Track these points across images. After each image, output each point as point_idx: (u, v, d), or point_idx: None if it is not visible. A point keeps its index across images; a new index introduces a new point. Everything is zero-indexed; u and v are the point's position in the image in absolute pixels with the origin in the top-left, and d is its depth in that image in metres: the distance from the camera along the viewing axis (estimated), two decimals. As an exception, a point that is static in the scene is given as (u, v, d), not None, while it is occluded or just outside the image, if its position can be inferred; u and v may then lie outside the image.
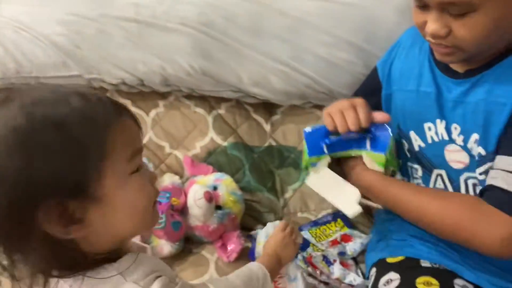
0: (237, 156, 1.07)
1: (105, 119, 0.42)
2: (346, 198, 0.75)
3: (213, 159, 1.06)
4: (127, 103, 1.07)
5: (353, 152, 0.78)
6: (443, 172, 0.76)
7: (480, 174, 0.70)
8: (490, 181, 0.65)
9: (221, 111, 1.09)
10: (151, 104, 1.08)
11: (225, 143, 1.07)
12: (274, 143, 1.11)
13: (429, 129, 0.76)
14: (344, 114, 0.73)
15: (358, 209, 0.74)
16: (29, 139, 0.38)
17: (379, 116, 0.75)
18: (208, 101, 1.08)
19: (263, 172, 1.08)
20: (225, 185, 0.95)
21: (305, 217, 1.06)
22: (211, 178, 0.98)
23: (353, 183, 0.76)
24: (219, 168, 1.05)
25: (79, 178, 0.40)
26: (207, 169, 1.02)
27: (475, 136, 0.69)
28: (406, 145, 0.82)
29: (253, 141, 1.10)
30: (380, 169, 0.75)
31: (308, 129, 0.79)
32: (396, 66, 0.82)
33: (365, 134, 0.77)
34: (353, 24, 0.94)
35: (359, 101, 0.74)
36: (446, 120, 0.73)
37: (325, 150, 0.78)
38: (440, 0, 0.60)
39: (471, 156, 0.71)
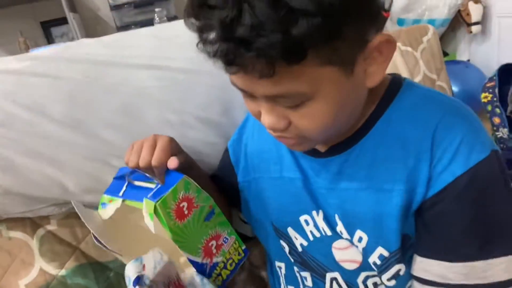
0: (84, 284, 0.78)
1: None
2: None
3: (49, 298, 0.76)
4: None
5: (141, 205, 0.58)
6: (337, 275, 0.60)
7: (389, 279, 0.55)
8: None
9: (51, 226, 0.79)
10: None
11: (62, 272, 0.77)
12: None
13: (306, 222, 0.60)
14: (142, 149, 0.61)
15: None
16: None
17: (169, 162, 0.60)
18: (28, 218, 0.78)
19: (125, 294, 0.82)
20: None
21: None
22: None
23: None
24: (59, 310, 0.75)
25: None
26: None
27: (360, 234, 0.55)
28: (286, 248, 0.64)
29: (105, 256, 0.82)
30: (150, 222, 0.55)
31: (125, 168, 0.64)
32: (251, 147, 0.67)
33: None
34: (203, 95, 0.75)
35: (163, 138, 0.62)
36: (323, 211, 0.58)
37: (121, 193, 0.61)
38: (263, 93, 0.45)
39: (364, 253, 0.56)
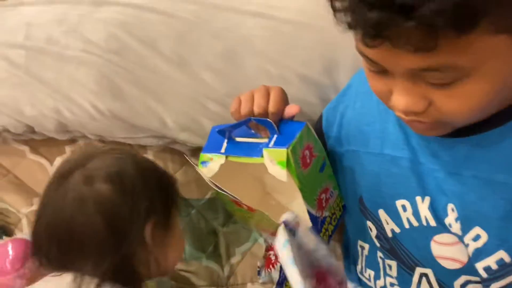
0: (168, 214, 0.85)
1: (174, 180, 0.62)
2: None
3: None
4: (25, 149, 0.84)
5: (252, 160, 0.56)
6: (429, 272, 0.54)
7: None
8: None
9: (148, 157, 0.86)
10: (56, 151, 0.84)
11: (151, 199, 0.84)
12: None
13: (404, 208, 0.54)
14: (254, 97, 0.58)
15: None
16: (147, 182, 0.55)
17: (288, 109, 0.57)
18: (129, 144, 0.85)
19: (203, 233, 0.86)
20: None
21: (257, 288, 0.84)
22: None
23: None
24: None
25: (169, 210, 0.58)
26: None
27: (477, 231, 0.47)
28: (373, 230, 0.59)
29: (191, 193, 0.87)
30: (282, 171, 0.52)
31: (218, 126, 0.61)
32: (350, 117, 0.61)
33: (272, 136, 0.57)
34: (307, 52, 0.72)
35: (276, 87, 0.59)
36: (431, 197, 0.51)
37: (223, 149, 0.59)
38: (408, 67, 0.38)
39: (475, 254, 0.49)
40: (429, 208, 0.51)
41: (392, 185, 0.54)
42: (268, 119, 0.55)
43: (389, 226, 0.56)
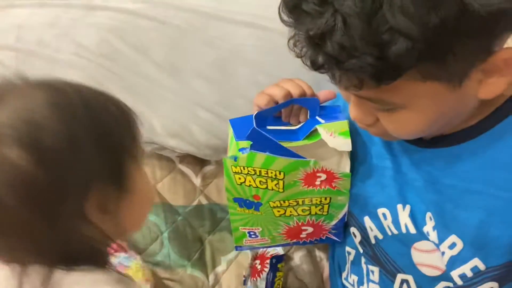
0: (153, 221, 0.84)
1: (133, 119, 0.43)
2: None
3: (122, 226, 0.83)
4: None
5: (293, 144, 0.57)
6: (410, 278, 0.55)
7: None
8: None
9: (136, 162, 0.86)
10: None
11: (137, 206, 0.84)
12: (205, 201, 0.88)
13: (384, 217, 0.55)
14: (282, 85, 0.57)
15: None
16: (92, 129, 0.39)
17: (326, 94, 0.59)
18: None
19: (188, 240, 0.85)
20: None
21: (241, 299, 0.84)
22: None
23: None
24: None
25: (121, 169, 0.41)
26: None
27: (453, 239, 0.48)
28: (357, 236, 0.60)
29: (177, 200, 0.87)
30: (346, 140, 0.55)
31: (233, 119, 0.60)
32: None
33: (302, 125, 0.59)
34: (297, 62, 0.72)
35: (296, 79, 0.59)
36: (411, 206, 0.52)
37: None
38: (355, 93, 0.42)
39: (451, 262, 0.50)
40: (409, 216, 0.52)
41: (375, 193, 0.56)
42: (315, 98, 0.57)
43: (373, 233, 0.57)
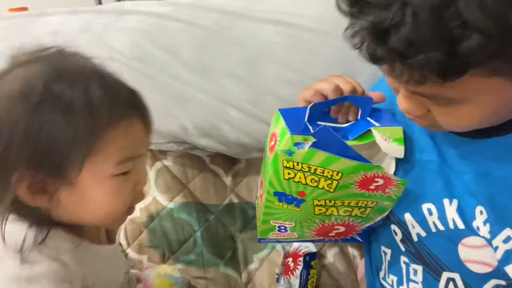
0: (186, 220, 0.85)
1: (110, 117, 0.41)
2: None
3: (156, 225, 0.84)
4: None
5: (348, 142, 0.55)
6: (456, 277, 0.53)
7: None
8: None
9: (167, 162, 0.87)
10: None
11: (170, 205, 0.85)
12: (236, 200, 0.89)
13: (429, 212, 0.53)
14: (331, 80, 0.55)
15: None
16: (33, 108, 0.39)
17: (374, 96, 0.56)
18: (150, 150, 0.87)
19: (220, 238, 0.86)
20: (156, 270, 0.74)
21: (274, 297, 0.83)
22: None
23: None
24: (162, 236, 0.83)
25: (61, 161, 0.40)
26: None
27: (508, 233, 0.46)
28: (398, 234, 0.59)
29: (209, 199, 0.88)
30: (399, 147, 0.55)
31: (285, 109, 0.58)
32: None
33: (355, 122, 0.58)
34: (327, 58, 0.72)
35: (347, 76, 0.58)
36: (459, 200, 0.50)
37: (311, 130, 0.56)
38: (405, 87, 0.42)
39: (505, 257, 0.48)
40: (457, 211, 0.51)
41: (420, 188, 0.54)
42: (369, 97, 0.56)
43: (415, 230, 0.56)
